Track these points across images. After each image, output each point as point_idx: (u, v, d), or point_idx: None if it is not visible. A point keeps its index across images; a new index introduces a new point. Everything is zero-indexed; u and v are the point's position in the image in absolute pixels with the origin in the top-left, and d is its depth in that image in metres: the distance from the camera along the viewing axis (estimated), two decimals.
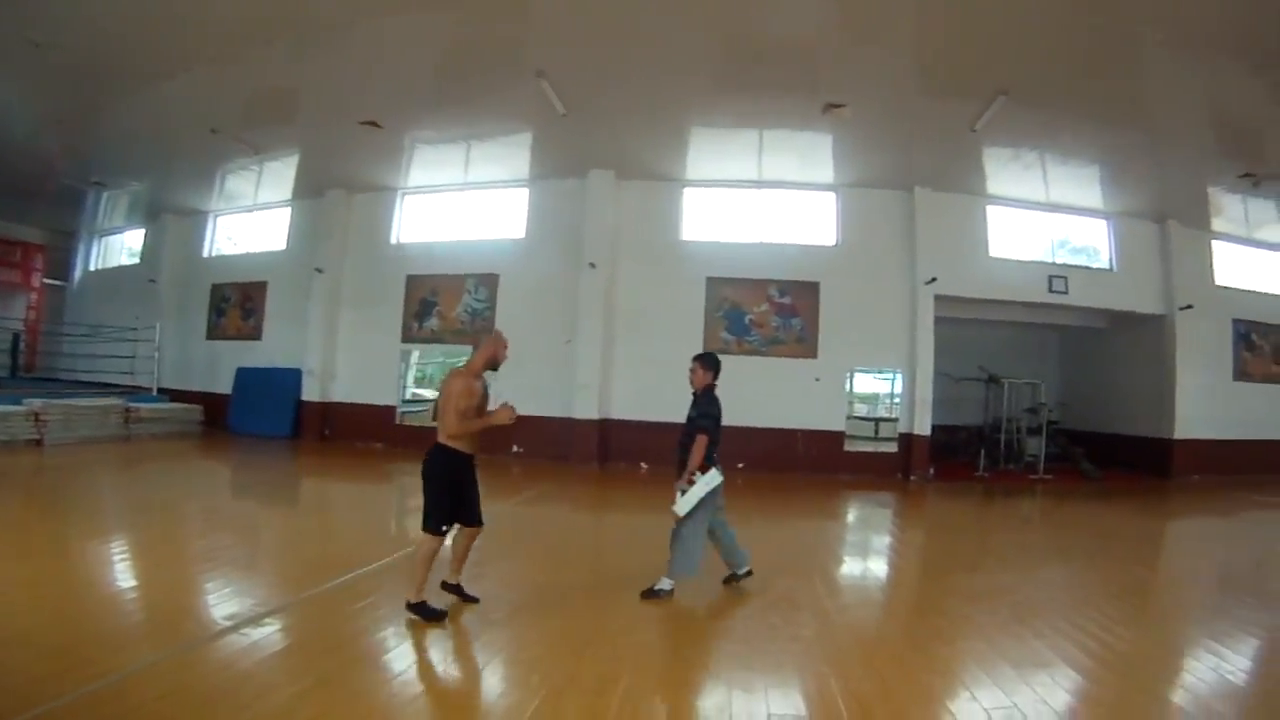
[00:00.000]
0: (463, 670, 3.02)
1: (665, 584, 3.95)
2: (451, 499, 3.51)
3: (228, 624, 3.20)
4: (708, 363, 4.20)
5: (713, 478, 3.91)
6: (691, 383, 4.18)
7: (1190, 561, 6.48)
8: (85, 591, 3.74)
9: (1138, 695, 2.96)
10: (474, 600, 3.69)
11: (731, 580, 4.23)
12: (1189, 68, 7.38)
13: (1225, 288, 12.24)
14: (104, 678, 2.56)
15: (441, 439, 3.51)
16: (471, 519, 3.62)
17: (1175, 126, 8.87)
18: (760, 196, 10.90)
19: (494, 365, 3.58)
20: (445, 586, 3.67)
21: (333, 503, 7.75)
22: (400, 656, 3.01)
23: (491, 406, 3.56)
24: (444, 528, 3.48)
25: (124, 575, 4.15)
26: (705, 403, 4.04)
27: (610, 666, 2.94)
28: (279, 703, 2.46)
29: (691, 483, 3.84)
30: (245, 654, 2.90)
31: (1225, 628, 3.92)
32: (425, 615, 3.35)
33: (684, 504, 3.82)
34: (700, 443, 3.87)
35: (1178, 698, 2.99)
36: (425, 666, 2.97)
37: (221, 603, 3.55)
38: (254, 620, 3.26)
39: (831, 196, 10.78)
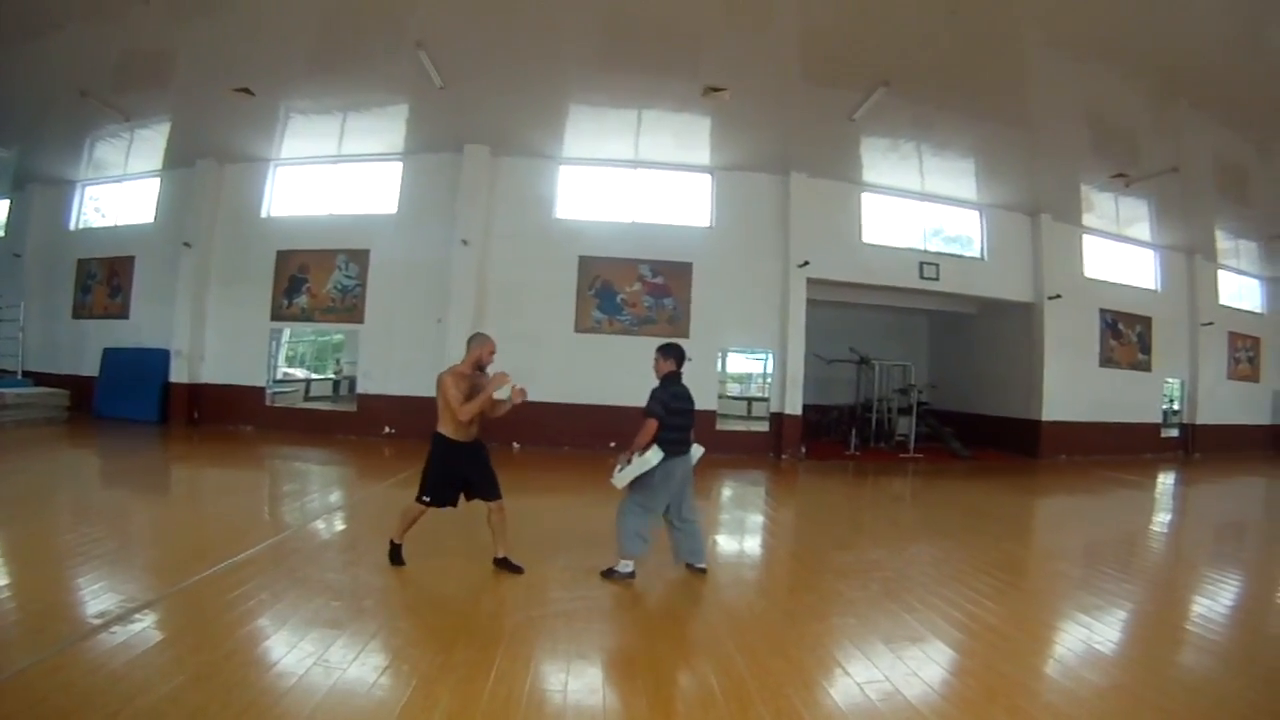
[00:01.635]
0: (338, 659, 2.82)
1: (623, 566, 4.00)
2: (453, 481, 3.96)
3: (98, 623, 3.00)
4: (667, 352, 4.26)
5: (649, 459, 3.90)
6: (655, 371, 4.25)
7: (1057, 537, 6.61)
8: None
9: (1007, 666, 2.98)
10: (519, 570, 4.01)
11: (691, 569, 4.21)
12: (1067, 69, 7.58)
13: (1094, 279, 12.81)
14: None
15: (439, 428, 3.93)
16: (487, 495, 4.01)
17: (1052, 125, 9.12)
18: (636, 177, 10.83)
19: (480, 366, 3.96)
20: (495, 562, 4.07)
21: (203, 490, 7.31)
22: (276, 646, 2.89)
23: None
24: (427, 499, 3.94)
25: None
26: (658, 389, 4.09)
27: (482, 652, 2.87)
28: (150, 703, 2.32)
29: (629, 461, 3.95)
30: (116, 654, 2.71)
31: (1091, 600, 4.01)
32: (393, 558, 4.02)
33: (619, 478, 3.98)
34: (646, 427, 3.91)
35: (1047, 667, 3.05)
36: (301, 655, 2.79)
37: (91, 600, 3.31)
38: (124, 617, 3.07)
39: (707, 179, 10.80)
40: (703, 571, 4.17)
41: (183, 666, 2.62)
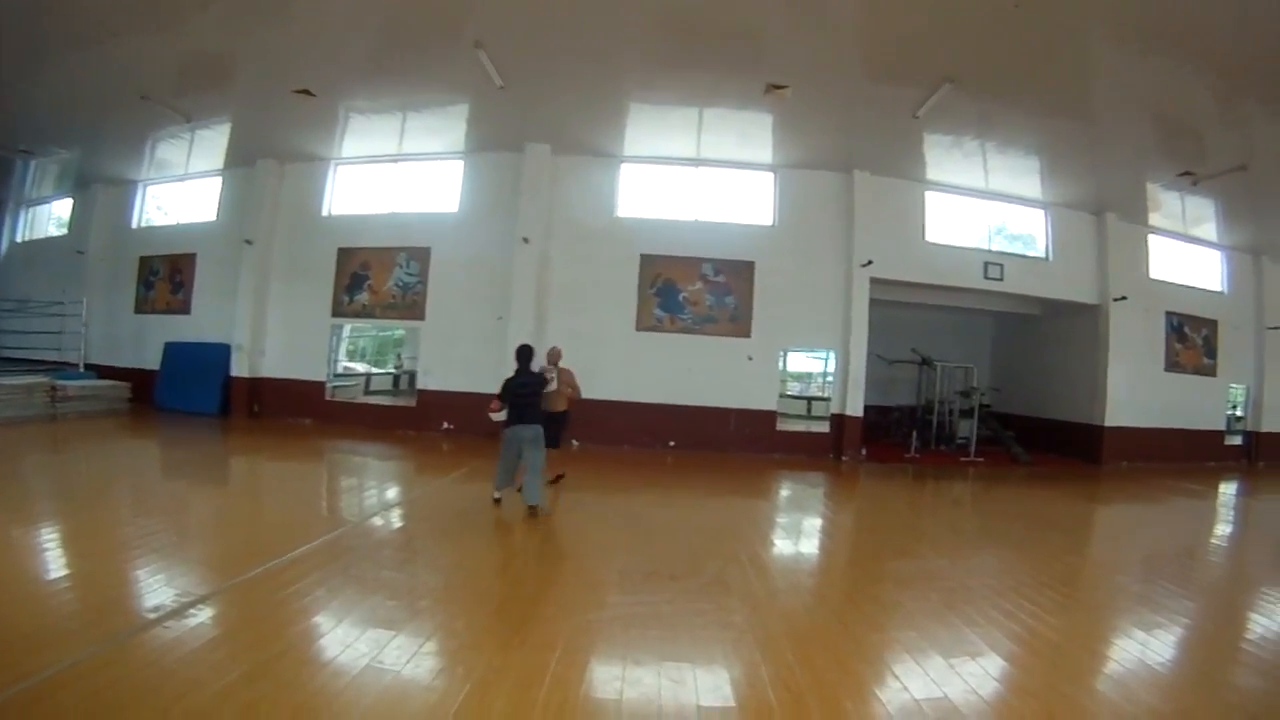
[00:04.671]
0: (391, 660, 2.82)
1: (494, 493, 5.68)
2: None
3: (153, 617, 3.02)
4: (517, 352, 5.62)
5: (495, 418, 5.57)
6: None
7: (1119, 549, 6.46)
8: (5, 587, 3.46)
9: (1067, 686, 2.92)
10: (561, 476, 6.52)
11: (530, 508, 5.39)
12: (1134, 65, 7.38)
13: (1160, 281, 12.47)
14: (24, 680, 2.38)
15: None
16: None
17: (1118, 122, 8.90)
18: (698, 175, 10.77)
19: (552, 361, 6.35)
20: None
21: (261, 483, 7.44)
22: (329, 645, 2.88)
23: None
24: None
25: (47, 567, 3.87)
26: (508, 378, 5.56)
27: (539, 655, 2.85)
28: (202, 701, 2.33)
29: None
30: (170, 649, 2.72)
31: (1153, 617, 3.92)
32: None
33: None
34: (494, 402, 5.59)
35: (1107, 689, 2.97)
36: (354, 655, 2.79)
37: (147, 593, 3.37)
38: (180, 612, 3.09)
39: (770, 177, 10.70)
40: (532, 510, 5.33)
41: (236, 663, 2.62)
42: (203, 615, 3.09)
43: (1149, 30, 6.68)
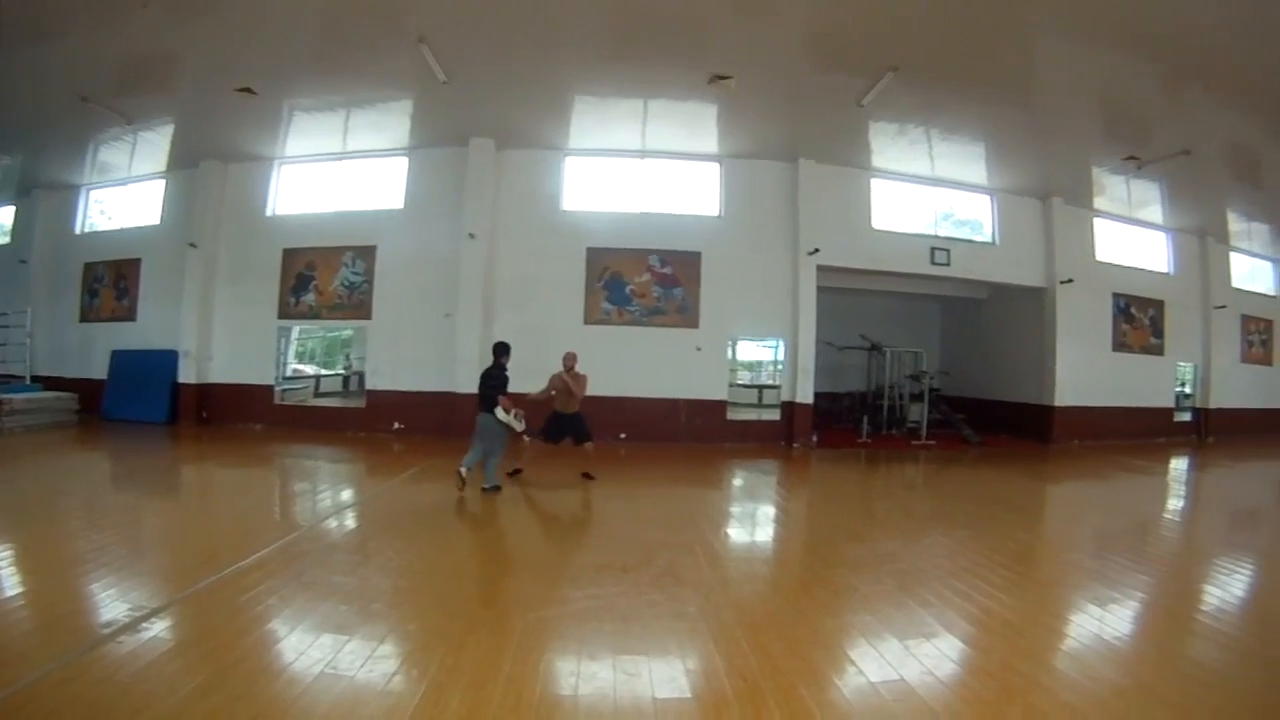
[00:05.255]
0: (345, 665, 2.77)
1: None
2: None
3: (106, 632, 2.95)
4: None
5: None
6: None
7: (1071, 526, 6.52)
8: None
9: (1023, 663, 2.93)
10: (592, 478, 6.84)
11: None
12: (1078, 52, 7.47)
13: (1106, 263, 12.69)
14: None
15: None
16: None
17: (1062, 108, 9.01)
18: (643, 166, 10.75)
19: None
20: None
21: (212, 491, 7.29)
22: (284, 653, 2.85)
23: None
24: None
25: None
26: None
27: (493, 654, 2.83)
28: (157, 716, 2.28)
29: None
30: (124, 664, 2.66)
31: (1107, 592, 3.96)
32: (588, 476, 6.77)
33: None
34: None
35: (1064, 665, 2.99)
36: (308, 662, 2.73)
37: (100, 609, 3.28)
38: (133, 626, 3.02)
39: (715, 167, 10.72)
40: (484, 489, 6.07)
41: (190, 676, 2.57)
42: (156, 628, 3.02)
43: (1093, 18, 6.76)
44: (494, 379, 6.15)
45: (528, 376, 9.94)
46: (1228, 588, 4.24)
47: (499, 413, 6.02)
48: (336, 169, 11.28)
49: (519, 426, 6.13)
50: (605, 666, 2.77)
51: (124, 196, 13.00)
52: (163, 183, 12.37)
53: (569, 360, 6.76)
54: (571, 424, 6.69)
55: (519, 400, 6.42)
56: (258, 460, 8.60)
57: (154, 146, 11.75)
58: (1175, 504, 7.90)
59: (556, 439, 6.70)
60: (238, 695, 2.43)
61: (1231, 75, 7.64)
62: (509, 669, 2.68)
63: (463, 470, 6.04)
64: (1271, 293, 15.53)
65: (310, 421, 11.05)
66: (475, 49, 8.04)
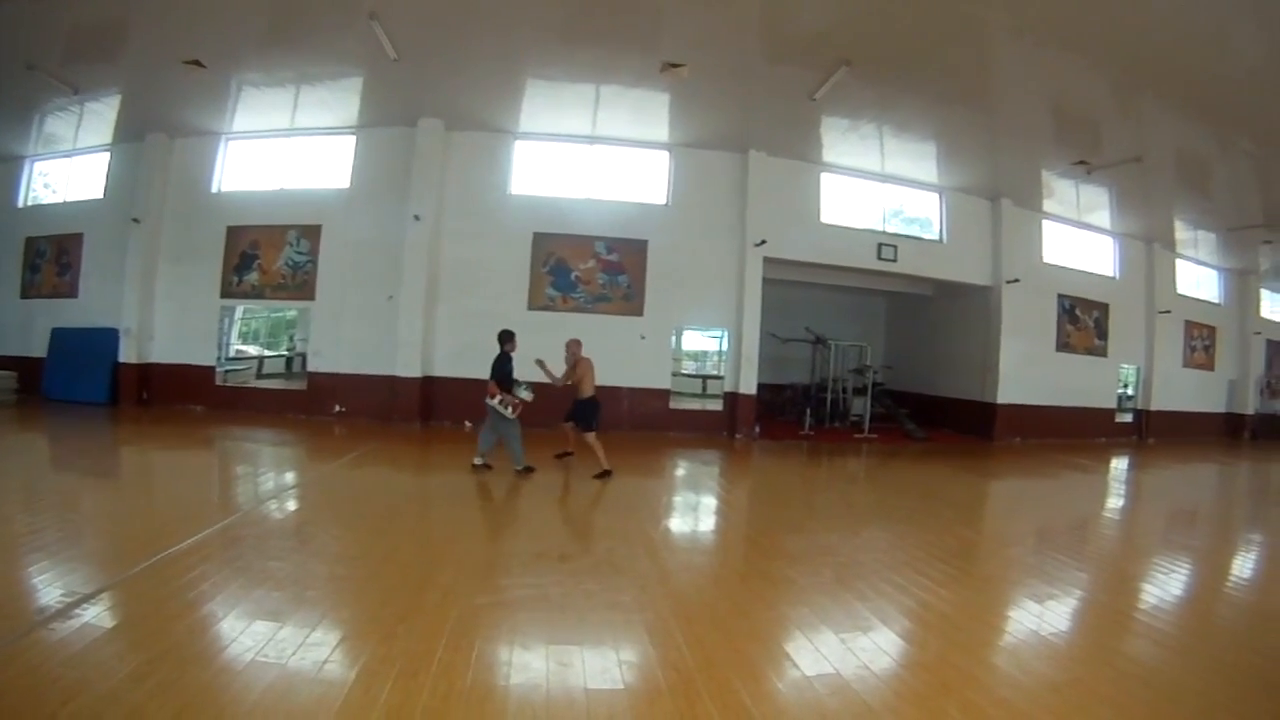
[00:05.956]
0: (277, 653, 2.72)
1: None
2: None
3: (39, 618, 2.88)
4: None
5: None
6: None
7: (1010, 522, 6.59)
8: None
9: (960, 658, 2.94)
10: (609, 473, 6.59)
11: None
12: (1033, 55, 7.56)
13: (1053, 265, 12.94)
14: None
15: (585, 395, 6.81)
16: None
17: (1015, 110, 9.12)
18: (592, 152, 10.73)
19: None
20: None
21: (149, 474, 7.12)
22: (217, 640, 2.81)
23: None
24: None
25: None
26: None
27: (425, 643, 2.79)
28: (88, 703, 2.22)
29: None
30: (56, 651, 2.59)
31: (1045, 589, 4.00)
32: (604, 476, 6.49)
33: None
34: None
35: (1001, 660, 3.00)
36: (240, 649, 2.68)
37: (33, 594, 3.19)
38: (66, 612, 2.95)
39: (665, 155, 10.73)
40: (486, 467, 6.47)
41: (123, 663, 2.52)
42: (90, 614, 2.95)
43: (1048, 21, 6.84)
44: (495, 367, 6.36)
45: (471, 360, 9.95)
46: (1165, 586, 4.31)
47: (487, 400, 6.29)
48: (284, 146, 11.11)
49: (506, 412, 6.30)
50: (538, 656, 2.74)
51: (68, 169, 12.67)
52: (107, 156, 12.09)
53: (572, 348, 6.95)
54: (576, 409, 6.86)
55: (541, 387, 6.78)
56: (197, 443, 8.46)
57: (100, 118, 11.48)
58: (1114, 502, 8.04)
59: (567, 419, 7.01)
60: (169, 683, 2.39)
61: (1184, 84, 7.80)
62: (442, 657, 2.65)
63: (477, 460, 6.50)
64: (1215, 300, 15.96)
65: (252, 403, 10.88)
66: (427, 27, 7.95)
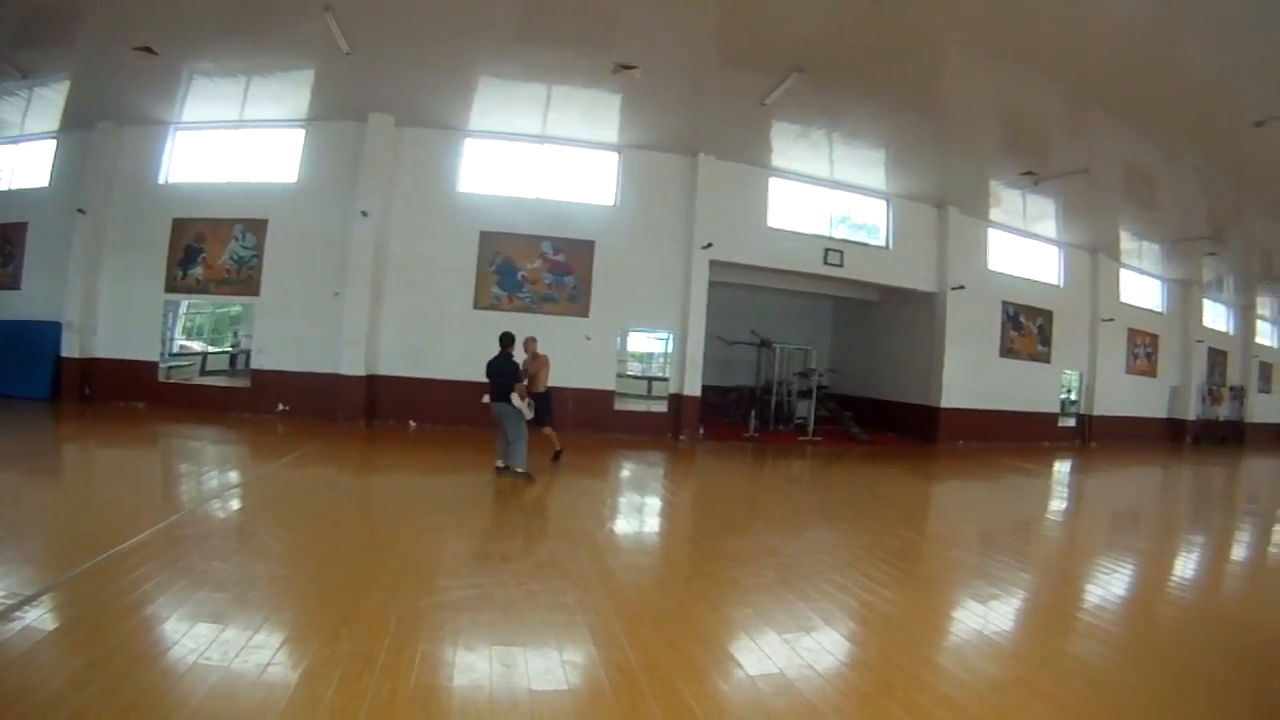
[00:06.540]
0: (219, 655, 2.70)
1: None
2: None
3: None
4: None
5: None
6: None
7: (953, 524, 6.69)
8: None
9: (903, 657, 2.97)
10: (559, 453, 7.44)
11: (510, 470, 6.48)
12: (984, 67, 7.72)
13: (998, 272, 13.26)
14: None
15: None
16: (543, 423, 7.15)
17: (964, 121, 9.32)
18: (542, 152, 10.79)
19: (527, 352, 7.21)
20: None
21: (91, 472, 7.02)
22: (159, 642, 2.77)
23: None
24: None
25: None
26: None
27: (368, 644, 2.77)
28: (27, 710, 2.18)
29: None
30: None
31: (988, 589, 4.05)
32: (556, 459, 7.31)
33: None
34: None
35: (944, 659, 3.03)
36: (183, 652, 2.65)
37: None
38: (6, 614, 2.89)
39: (614, 157, 10.83)
40: (517, 473, 6.38)
41: (64, 667, 2.49)
42: (30, 616, 2.90)
43: (1000, 35, 7.00)
44: (508, 368, 6.44)
45: (415, 359, 9.96)
46: (1107, 586, 4.41)
47: (514, 399, 6.35)
48: (232, 138, 11.00)
49: (529, 414, 6.52)
50: (482, 657, 2.73)
51: (13, 156, 12.44)
52: (54, 143, 11.87)
53: (530, 345, 7.16)
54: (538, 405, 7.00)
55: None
56: (140, 440, 8.38)
57: (48, 104, 11.25)
58: (1057, 505, 8.22)
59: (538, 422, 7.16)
60: (111, 686, 2.35)
61: (1132, 98, 8.01)
62: (385, 659, 2.64)
63: (519, 468, 6.43)
64: (1158, 309, 16.47)
65: (195, 401, 10.77)
66: (381, 21, 7.94)
